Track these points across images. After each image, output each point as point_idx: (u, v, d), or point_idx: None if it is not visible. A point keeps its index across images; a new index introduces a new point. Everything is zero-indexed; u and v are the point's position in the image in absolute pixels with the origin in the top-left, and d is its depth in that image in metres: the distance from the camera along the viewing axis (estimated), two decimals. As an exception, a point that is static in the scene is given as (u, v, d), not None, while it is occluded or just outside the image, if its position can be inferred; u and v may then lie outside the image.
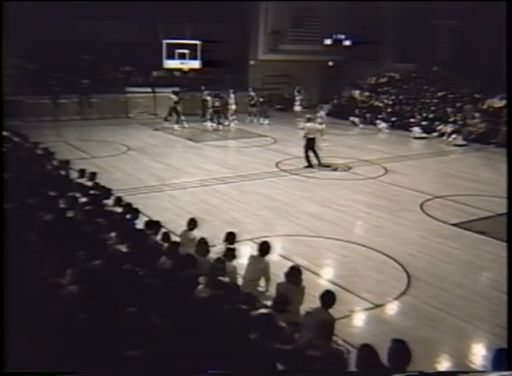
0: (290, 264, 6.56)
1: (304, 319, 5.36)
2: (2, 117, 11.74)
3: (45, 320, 3.61)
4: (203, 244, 6.63)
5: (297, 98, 26.10)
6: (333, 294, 5.38)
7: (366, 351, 4.07)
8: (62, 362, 3.21)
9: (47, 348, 3.31)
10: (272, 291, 6.17)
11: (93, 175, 9.91)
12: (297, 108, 25.50)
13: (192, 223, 7.52)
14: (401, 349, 4.02)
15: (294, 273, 5.95)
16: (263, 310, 5.05)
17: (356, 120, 24.85)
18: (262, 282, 6.69)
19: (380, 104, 25.78)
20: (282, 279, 6.10)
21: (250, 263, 6.76)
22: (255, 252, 6.90)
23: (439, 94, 24.74)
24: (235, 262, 6.60)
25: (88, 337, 3.43)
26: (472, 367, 6.06)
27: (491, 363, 3.94)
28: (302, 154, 15.64)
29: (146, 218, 8.14)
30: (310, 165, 15.39)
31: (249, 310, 4.66)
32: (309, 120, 15.81)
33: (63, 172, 10.62)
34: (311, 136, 15.37)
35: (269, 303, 5.53)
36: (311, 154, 15.48)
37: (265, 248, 6.70)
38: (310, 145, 15.41)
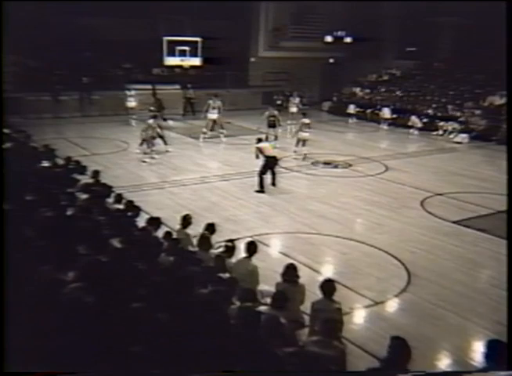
0: (289, 261, 6.53)
1: (312, 314, 5.34)
2: (2, 114, 11.72)
3: (46, 319, 3.60)
4: (206, 240, 6.61)
5: (295, 100, 22.97)
6: (332, 282, 5.38)
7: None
8: (62, 362, 3.20)
9: (47, 348, 3.30)
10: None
11: (96, 173, 9.82)
12: (293, 109, 22.47)
13: (186, 221, 7.34)
14: (400, 346, 4.03)
15: (290, 272, 5.78)
16: (262, 307, 5.05)
17: (356, 117, 24.83)
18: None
19: (381, 101, 25.74)
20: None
21: (237, 268, 6.23)
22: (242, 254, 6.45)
23: (440, 91, 24.71)
24: (234, 259, 6.56)
25: (89, 335, 3.43)
26: (472, 364, 6.07)
27: (485, 355, 3.95)
28: (305, 151, 15.47)
29: (146, 216, 8.15)
30: None
31: (252, 307, 4.66)
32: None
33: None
34: None
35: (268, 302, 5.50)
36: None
37: (252, 249, 6.33)
38: None
